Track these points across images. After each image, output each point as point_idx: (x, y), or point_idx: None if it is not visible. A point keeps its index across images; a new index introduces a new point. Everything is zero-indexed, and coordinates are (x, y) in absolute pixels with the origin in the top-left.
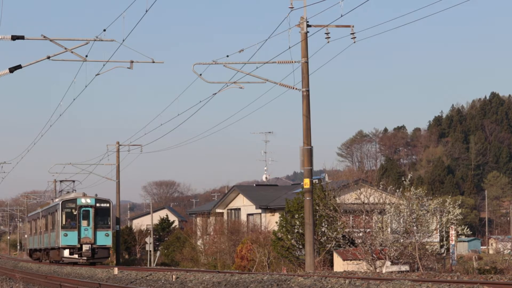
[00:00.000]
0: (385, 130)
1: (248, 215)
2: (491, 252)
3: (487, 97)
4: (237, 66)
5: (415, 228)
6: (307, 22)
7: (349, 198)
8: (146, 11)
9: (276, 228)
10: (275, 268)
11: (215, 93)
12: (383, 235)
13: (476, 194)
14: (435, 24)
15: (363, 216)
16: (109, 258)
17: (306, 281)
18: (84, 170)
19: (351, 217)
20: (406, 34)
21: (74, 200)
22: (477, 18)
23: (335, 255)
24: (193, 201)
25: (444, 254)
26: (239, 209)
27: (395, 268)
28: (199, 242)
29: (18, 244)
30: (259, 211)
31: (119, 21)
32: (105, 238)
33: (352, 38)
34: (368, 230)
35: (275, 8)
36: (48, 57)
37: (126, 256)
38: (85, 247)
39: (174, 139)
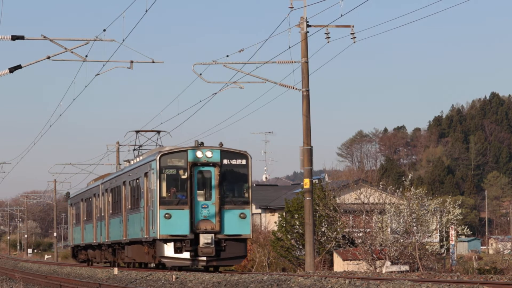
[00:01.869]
0: (385, 130)
1: None
2: (491, 252)
3: (487, 97)
4: (237, 66)
5: (415, 228)
6: (307, 22)
7: (349, 198)
8: (146, 11)
9: (275, 228)
10: (275, 268)
11: (215, 93)
12: (383, 235)
13: (476, 194)
14: (435, 24)
15: (363, 216)
16: (245, 260)
17: (306, 281)
18: (84, 170)
19: (351, 217)
20: (406, 34)
21: (182, 154)
22: (477, 18)
23: (335, 255)
24: None
25: (444, 254)
26: None
27: (395, 268)
28: None
29: (18, 244)
30: (259, 211)
31: (119, 21)
32: (239, 223)
33: (352, 38)
34: (368, 230)
35: (275, 8)
36: (48, 57)
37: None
38: (205, 239)
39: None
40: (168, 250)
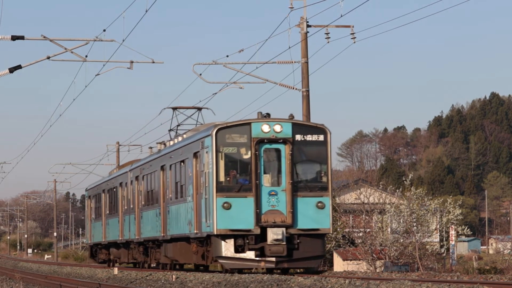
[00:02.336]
0: (385, 130)
1: None
2: (491, 252)
3: (487, 97)
4: (237, 66)
5: (415, 228)
6: (307, 22)
7: (349, 198)
8: (146, 11)
9: None
10: None
11: (215, 93)
12: (383, 235)
13: (476, 194)
14: (435, 24)
15: (363, 216)
16: (322, 263)
17: (306, 281)
18: (84, 170)
19: (351, 217)
20: (406, 34)
21: (245, 128)
22: (477, 18)
23: (335, 255)
24: None
25: (444, 254)
26: None
27: (394, 268)
28: None
29: (18, 244)
30: None
31: (119, 21)
32: (315, 214)
33: (352, 38)
34: (368, 230)
35: (275, 8)
36: (48, 57)
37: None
38: (274, 235)
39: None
40: (227, 248)
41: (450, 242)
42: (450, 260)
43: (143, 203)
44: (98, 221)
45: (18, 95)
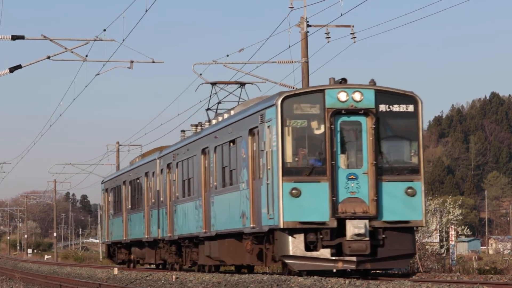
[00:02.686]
0: None
1: None
2: (491, 252)
3: (487, 97)
4: (237, 66)
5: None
6: (307, 22)
7: None
8: (146, 11)
9: None
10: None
11: (215, 93)
12: None
13: (476, 194)
14: (435, 24)
15: None
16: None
17: (306, 281)
18: (84, 170)
19: None
20: (406, 34)
21: (317, 97)
22: (477, 18)
23: None
24: None
25: (444, 254)
26: None
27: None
28: None
29: (18, 244)
30: None
31: (119, 21)
32: (405, 202)
33: (352, 38)
34: None
35: (275, 8)
36: (48, 57)
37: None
38: (354, 228)
39: (174, 139)
40: (296, 245)
41: (450, 242)
42: (450, 260)
43: (177, 194)
44: (117, 217)
45: (18, 95)
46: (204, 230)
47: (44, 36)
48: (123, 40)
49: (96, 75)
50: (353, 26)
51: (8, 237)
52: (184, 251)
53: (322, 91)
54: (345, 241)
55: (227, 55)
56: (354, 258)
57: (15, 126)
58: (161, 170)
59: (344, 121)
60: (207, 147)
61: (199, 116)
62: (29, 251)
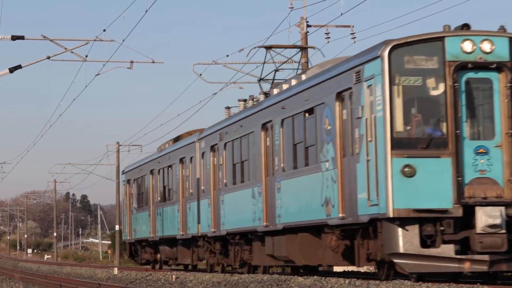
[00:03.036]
0: None
1: None
2: None
3: None
4: (237, 66)
5: None
6: (307, 22)
7: None
8: (146, 11)
9: None
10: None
11: (215, 93)
12: None
13: None
14: (435, 24)
15: None
16: None
17: (306, 281)
18: (84, 170)
19: None
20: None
21: (434, 46)
22: (477, 18)
23: None
24: None
25: None
26: None
27: None
28: None
29: (18, 244)
30: None
31: (119, 21)
32: None
33: (352, 38)
34: None
35: (275, 8)
36: (48, 57)
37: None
38: (487, 217)
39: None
40: (409, 240)
41: None
42: None
43: (225, 181)
44: (142, 211)
45: (18, 95)
46: (265, 223)
47: (44, 36)
48: (123, 40)
49: (96, 75)
50: (353, 26)
51: (8, 237)
52: (233, 250)
53: (441, 39)
54: (475, 234)
55: (227, 55)
56: (486, 257)
57: (15, 126)
58: (202, 153)
59: (470, 78)
60: (270, 121)
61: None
62: (29, 251)
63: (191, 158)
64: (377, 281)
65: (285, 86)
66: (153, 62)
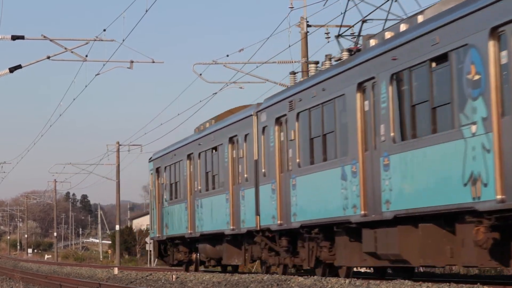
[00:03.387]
0: None
1: None
2: None
3: None
4: (237, 66)
5: None
6: (307, 22)
7: None
8: (146, 11)
9: None
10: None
11: (215, 93)
12: None
13: None
14: None
15: None
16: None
17: (306, 281)
18: (84, 170)
19: None
20: None
21: None
22: None
23: None
24: None
25: None
26: None
27: None
28: None
29: (18, 244)
30: None
31: (119, 21)
32: None
33: (352, 38)
34: None
35: (275, 8)
36: (48, 57)
37: (126, 256)
38: None
39: (174, 139)
40: None
41: None
42: None
43: (297, 161)
44: (176, 204)
45: (18, 95)
46: (362, 212)
47: (44, 36)
48: (123, 40)
49: (96, 75)
50: (353, 26)
51: (8, 237)
52: (307, 247)
53: None
54: None
55: (227, 55)
56: None
57: (15, 126)
58: (263, 129)
59: None
60: (371, 79)
61: (199, 116)
62: (29, 251)
63: (246, 135)
64: (377, 281)
65: (388, 35)
66: (153, 62)
